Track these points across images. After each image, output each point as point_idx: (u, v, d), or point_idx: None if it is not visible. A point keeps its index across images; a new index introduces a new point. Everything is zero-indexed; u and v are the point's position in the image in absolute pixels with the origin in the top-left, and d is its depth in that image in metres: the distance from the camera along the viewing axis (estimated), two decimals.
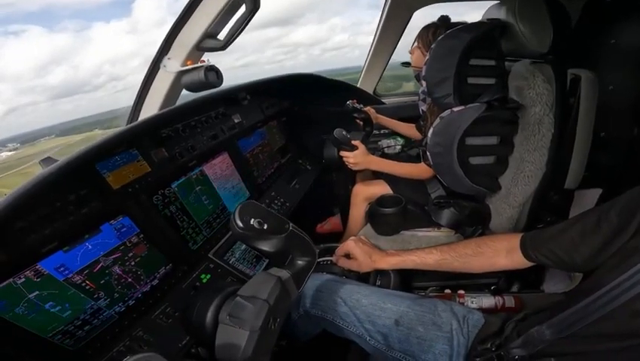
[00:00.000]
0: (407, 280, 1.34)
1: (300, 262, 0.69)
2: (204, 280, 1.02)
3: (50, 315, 0.69)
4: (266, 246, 0.62)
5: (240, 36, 1.14)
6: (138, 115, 1.23)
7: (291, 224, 0.66)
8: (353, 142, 1.46)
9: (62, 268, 0.71)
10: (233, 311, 0.55)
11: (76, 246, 0.75)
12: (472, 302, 1.18)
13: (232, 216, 0.59)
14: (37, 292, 0.67)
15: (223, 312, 0.57)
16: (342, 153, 1.49)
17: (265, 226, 0.60)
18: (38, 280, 0.68)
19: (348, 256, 1.04)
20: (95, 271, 0.78)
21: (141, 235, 0.91)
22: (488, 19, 1.27)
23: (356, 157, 1.46)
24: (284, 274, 0.63)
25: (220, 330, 0.56)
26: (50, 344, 0.69)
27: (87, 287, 0.76)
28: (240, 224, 0.58)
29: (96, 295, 0.77)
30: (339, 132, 1.44)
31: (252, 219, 0.59)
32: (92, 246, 0.78)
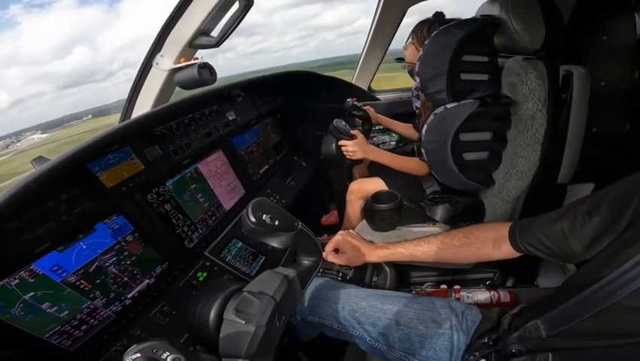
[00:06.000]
0: (404, 276, 1.35)
1: (305, 262, 0.70)
2: (200, 278, 1.02)
3: (46, 315, 0.69)
4: (275, 242, 0.62)
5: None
6: (131, 113, 1.22)
7: (300, 222, 0.66)
8: (352, 132, 1.48)
9: (56, 268, 0.71)
10: (239, 306, 0.54)
11: (70, 246, 0.74)
12: (468, 297, 1.18)
13: (244, 211, 0.58)
14: (32, 293, 0.67)
15: (228, 308, 0.56)
16: (341, 142, 1.49)
17: (276, 223, 0.61)
18: (33, 280, 0.67)
19: (337, 250, 1.03)
20: (90, 270, 0.78)
21: (136, 234, 0.91)
22: (481, 16, 1.27)
23: (355, 145, 1.47)
24: (291, 272, 0.63)
25: (226, 325, 0.55)
26: (47, 345, 0.69)
27: (83, 287, 0.76)
28: (253, 219, 0.58)
29: (91, 295, 0.77)
30: (338, 122, 1.47)
31: (264, 215, 0.59)
32: (86, 245, 0.78)
